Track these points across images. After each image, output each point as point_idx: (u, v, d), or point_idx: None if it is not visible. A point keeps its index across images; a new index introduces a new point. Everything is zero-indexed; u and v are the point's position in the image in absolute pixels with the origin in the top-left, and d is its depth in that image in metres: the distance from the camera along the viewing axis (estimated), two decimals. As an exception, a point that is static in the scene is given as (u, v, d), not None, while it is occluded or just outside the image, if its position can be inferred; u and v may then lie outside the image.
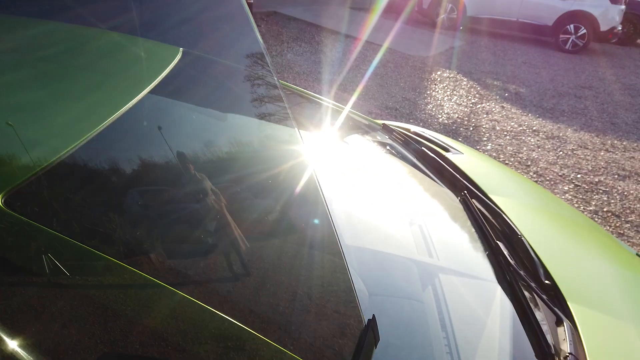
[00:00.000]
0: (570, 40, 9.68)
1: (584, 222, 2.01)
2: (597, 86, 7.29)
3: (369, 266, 1.25)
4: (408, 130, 2.44)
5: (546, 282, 1.33)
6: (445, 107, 5.61)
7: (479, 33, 10.18)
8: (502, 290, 1.24)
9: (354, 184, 1.71)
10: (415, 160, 1.99)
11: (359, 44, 7.84)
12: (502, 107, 5.86)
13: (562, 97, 6.55)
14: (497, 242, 1.40)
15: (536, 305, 1.18)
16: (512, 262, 1.31)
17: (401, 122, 5.14)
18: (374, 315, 0.82)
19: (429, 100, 5.80)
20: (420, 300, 1.15)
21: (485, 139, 4.83)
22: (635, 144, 5.05)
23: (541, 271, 1.36)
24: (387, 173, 1.87)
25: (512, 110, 5.78)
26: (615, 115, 5.98)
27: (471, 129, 5.06)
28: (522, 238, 1.49)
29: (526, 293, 1.21)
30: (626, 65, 9.08)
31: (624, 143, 5.07)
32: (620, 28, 10.05)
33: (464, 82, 6.68)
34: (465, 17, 10.27)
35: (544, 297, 1.19)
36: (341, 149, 1.94)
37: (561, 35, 9.73)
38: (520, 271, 1.27)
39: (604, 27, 9.67)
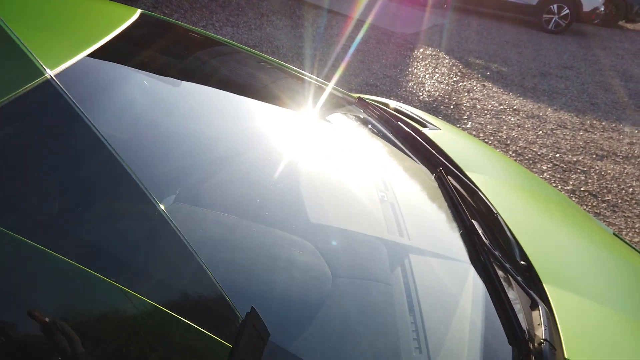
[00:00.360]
0: (553, 20, 9.62)
1: (562, 201, 1.95)
2: (578, 66, 7.27)
3: (334, 246, 1.16)
4: (386, 105, 2.34)
5: (522, 262, 1.26)
6: (426, 85, 5.52)
7: (463, 11, 10.05)
8: (475, 271, 1.17)
9: (324, 160, 1.61)
10: (390, 136, 1.90)
11: (342, 19, 7.65)
12: (484, 85, 5.79)
13: (544, 76, 6.51)
14: (472, 220, 1.33)
15: (510, 287, 1.11)
16: (486, 241, 1.23)
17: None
18: (253, 308, 0.73)
19: (410, 78, 5.69)
20: (388, 282, 1.07)
21: (465, 117, 4.76)
22: (613, 124, 5.05)
23: (517, 251, 1.29)
24: (359, 148, 1.77)
25: (494, 89, 5.72)
26: (595, 96, 5.97)
27: (452, 107, 4.98)
28: (498, 217, 1.42)
29: (500, 274, 1.14)
30: (607, 47, 9.08)
31: (603, 123, 5.06)
32: (602, 9, 10.02)
33: (447, 60, 6.58)
34: (450, -5, 10.11)
35: (519, 278, 1.12)
36: (312, 123, 1.83)
37: (544, 15, 9.65)
38: (495, 252, 1.20)
39: (586, 8, 9.62)
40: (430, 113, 4.61)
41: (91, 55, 1.15)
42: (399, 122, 1.97)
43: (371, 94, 5.14)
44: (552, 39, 9.05)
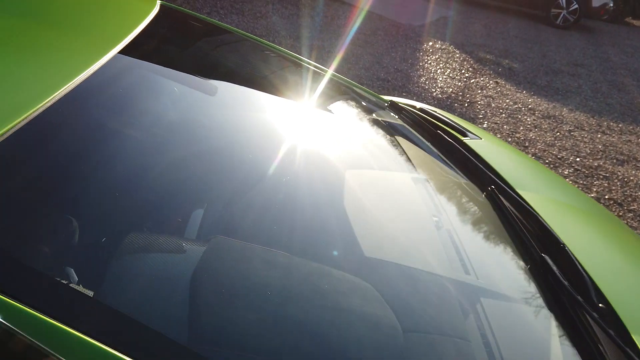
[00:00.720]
0: (561, 15, 9.43)
1: (613, 221, 1.80)
2: (589, 64, 7.11)
3: (397, 289, 1.00)
4: (414, 107, 2.17)
5: (600, 305, 1.11)
6: (438, 81, 5.34)
7: (469, 3, 9.83)
8: (557, 322, 1.02)
9: (364, 176, 1.44)
10: (430, 147, 1.73)
11: (348, 9, 7.42)
12: (496, 82, 5.63)
13: (556, 74, 6.36)
14: (543, 255, 1.17)
15: (602, 343, 0.96)
16: (565, 282, 1.08)
17: (394, 95, 4.85)
18: None
19: (422, 73, 5.51)
20: (466, 337, 0.91)
21: (481, 116, 4.60)
22: (630, 127, 4.92)
23: (592, 292, 1.14)
24: (400, 163, 1.61)
25: (507, 86, 5.56)
26: (609, 96, 5.83)
27: (466, 105, 4.82)
28: (566, 248, 1.26)
29: (589, 325, 0.99)
30: (616, 44, 8.93)
31: (620, 125, 4.92)
32: (612, 4, 9.85)
33: (457, 55, 6.39)
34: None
35: (611, 332, 0.97)
36: (343, 133, 1.65)
37: (553, 10, 9.46)
38: (577, 296, 1.04)
39: (596, 3, 9.44)
40: (445, 110, 4.45)
41: (122, 52, 0.97)
42: (438, 131, 1.81)
43: (383, 89, 4.96)
44: (559, 34, 8.88)
